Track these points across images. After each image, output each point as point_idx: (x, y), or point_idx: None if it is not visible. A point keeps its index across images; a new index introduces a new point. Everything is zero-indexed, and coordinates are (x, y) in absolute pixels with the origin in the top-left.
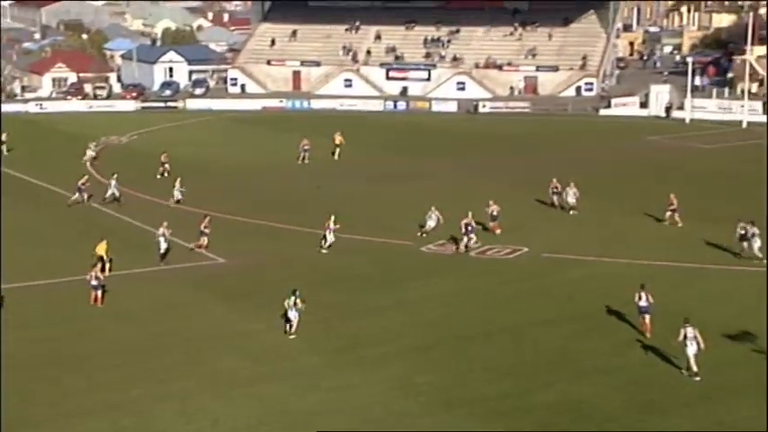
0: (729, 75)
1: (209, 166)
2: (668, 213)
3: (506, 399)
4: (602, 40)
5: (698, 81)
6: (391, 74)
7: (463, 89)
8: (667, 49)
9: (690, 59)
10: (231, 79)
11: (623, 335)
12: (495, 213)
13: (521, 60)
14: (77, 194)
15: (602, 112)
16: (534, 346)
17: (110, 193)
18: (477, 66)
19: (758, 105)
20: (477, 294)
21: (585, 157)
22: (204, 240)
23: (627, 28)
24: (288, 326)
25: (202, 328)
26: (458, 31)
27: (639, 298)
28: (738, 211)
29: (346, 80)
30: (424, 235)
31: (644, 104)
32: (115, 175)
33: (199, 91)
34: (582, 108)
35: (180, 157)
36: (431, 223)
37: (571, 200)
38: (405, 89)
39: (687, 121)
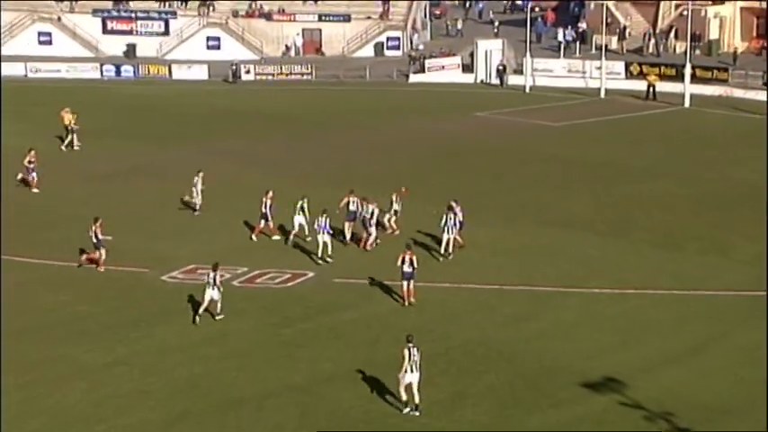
0: (581, 25)
1: None
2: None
3: None
4: None
5: (560, 36)
6: (111, 25)
7: (217, 48)
8: None
9: (528, 3)
10: None
11: (447, 387)
12: (396, 209)
13: (298, 7)
14: None
15: (413, 78)
16: (327, 410)
17: None
18: (235, 14)
19: (619, 66)
20: (245, 341)
21: (386, 143)
22: None
23: None
24: None
25: None
26: None
27: (403, 261)
28: (613, 216)
29: (42, 34)
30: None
31: (468, 67)
32: None
33: None
34: (385, 74)
35: None
36: (300, 220)
37: (459, 217)
38: (131, 48)
39: (527, 89)
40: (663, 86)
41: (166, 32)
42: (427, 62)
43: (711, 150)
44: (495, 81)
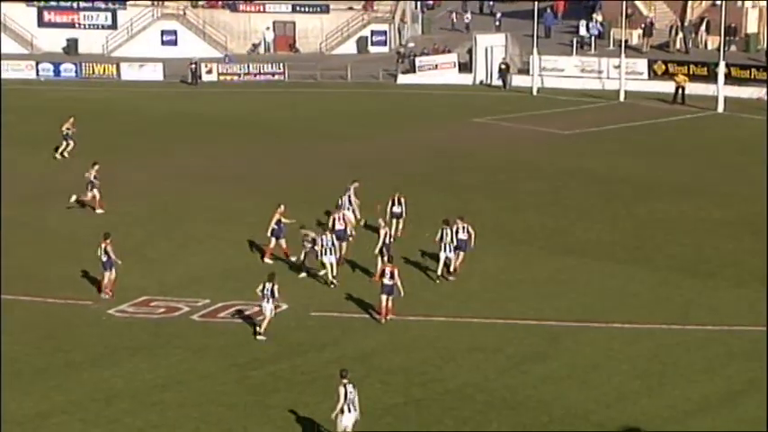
0: (597, 18)
1: None
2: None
3: None
4: None
5: (582, 30)
6: (48, 17)
7: (174, 43)
8: None
9: None
10: None
11: None
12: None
13: None
14: None
15: (402, 79)
16: None
17: None
18: (195, 4)
19: (642, 65)
20: (208, 386)
21: (370, 154)
22: None
23: None
24: None
25: None
26: None
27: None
28: (625, 238)
29: None
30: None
31: (466, 66)
32: None
33: None
34: (369, 74)
35: None
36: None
37: (462, 236)
38: (73, 43)
39: (534, 91)
40: (693, 88)
41: (114, 26)
42: (418, 60)
43: (750, 164)
44: (497, 82)
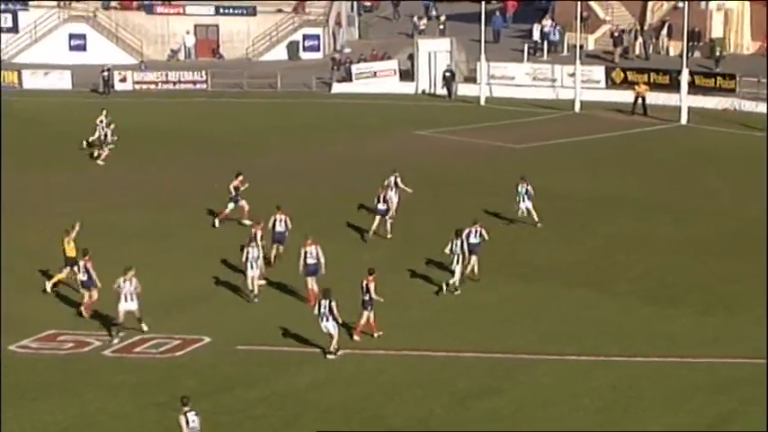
0: (547, 22)
1: None
2: None
3: None
4: None
5: (536, 35)
6: None
7: (83, 48)
8: None
9: None
10: None
11: None
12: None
13: None
14: None
15: (337, 88)
16: None
17: None
18: (106, 6)
19: (599, 73)
20: (123, 427)
21: (300, 170)
22: None
23: None
24: None
25: None
26: None
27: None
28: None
29: None
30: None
31: (408, 74)
32: None
33: None
34: (301, 82)
35: None
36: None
37: (474, 239)
38: None
39: (482, 101)
40: (654, 98)
41: (15, 29)
42: (355, 67)
43: (716, 180)
44: (442, 91)
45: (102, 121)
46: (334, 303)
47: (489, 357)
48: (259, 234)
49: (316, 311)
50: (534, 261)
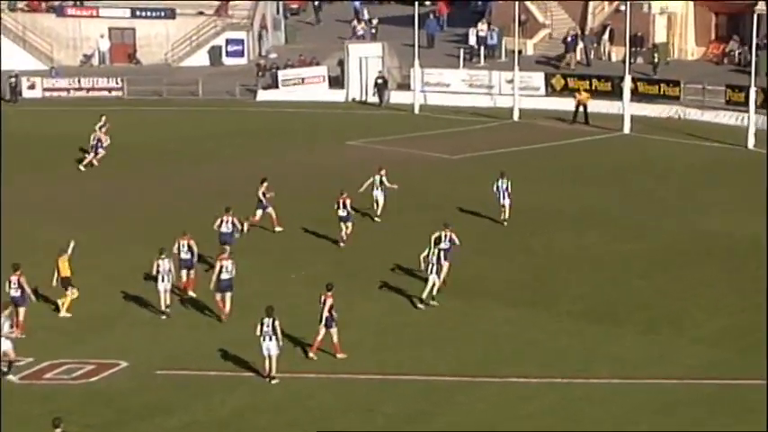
0: (484, 26)
1: None
2: None
3: None
4: None
5: (472, 39)
6: None
7: None
8: None
9: None
10: None
11: None
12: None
13: None
14: None
15: (262, 95)
16: None
17: None
18: (12, 6)
19: (538, 79)
20: None
21: (221, 183)
22: None
23: None
24: None
25: None
26: None
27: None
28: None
29: None
30: None
31: (337, 80)
32: None
33: None
34: (224, 89)
35: None
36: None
37: (444, 245)
38: None
39: (416, 109)
40: (595, 105)
41: None
42: (281, 74)
43: (661, 191)
44: (373, 99)
45: (100, 128)
46: (277, 322)
47: (424, 380)
48: (185, 244)
49: (258, 331)
50: (469, 278)
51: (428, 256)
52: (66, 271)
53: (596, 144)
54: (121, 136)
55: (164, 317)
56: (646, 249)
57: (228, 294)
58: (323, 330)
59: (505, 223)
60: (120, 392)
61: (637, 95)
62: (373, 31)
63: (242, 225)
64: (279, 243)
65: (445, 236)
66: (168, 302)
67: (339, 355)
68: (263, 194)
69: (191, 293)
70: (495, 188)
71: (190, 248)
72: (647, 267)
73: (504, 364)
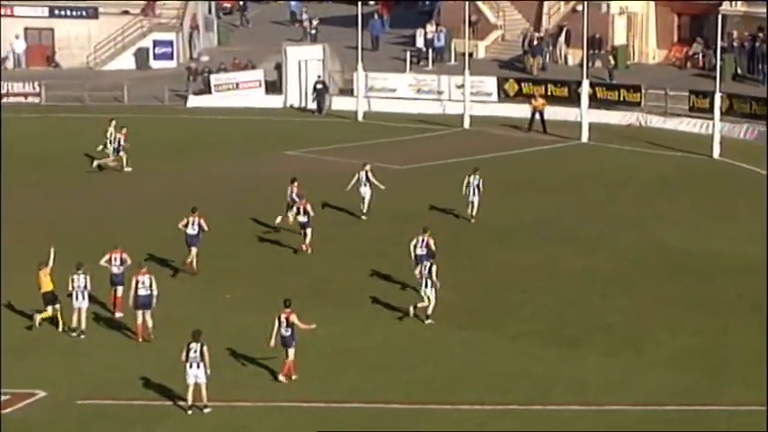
0: (431, 27)
1: None
2: None
3: None
4: None
5: (419, 41)
6: None
7: None
8: None
9: None
10: None
11: None
12: None
13: None
14: None
15: (194, 101)
16: None
17: None
18: None
19: (491, 84)
20: None
21: (147, 196)
22: None
23: None
24: None
25: None
26: None
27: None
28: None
29: None
30: None
31: (275, 86)
32: None
33: None
34: (152, 94)
35: None
36: None
37: (420, 251)
38: None
39: (359, 116)
40: (552, 112)
41: None
42: (214, 78)
43: (621, 203)
44: (313, 105)
45: (111, 133)
46: (205, 348)
47: (370, 408)
48: (117, 257)
49: (183, 357)
50: (414, 297)
51: (421, 270)
52: (47, 285)
53: (552, 153)
54: (39, 146)
55: (74, 334)
56: (605, 267)
57: (148, 312)
58: (286, 351)
59: (473, 220)
60: (38, 425)
61: (595, 101)
62: (313, 32)
63: (207, 226)
64: (221, 262)
65: (422, 240)
66: (83, 323)
67: (281, 377)
68: (298, 196)
69: (118, 314)
70: (465, 183)
71: (122, 262)
72: (605, 284)
73: (457, 389)
